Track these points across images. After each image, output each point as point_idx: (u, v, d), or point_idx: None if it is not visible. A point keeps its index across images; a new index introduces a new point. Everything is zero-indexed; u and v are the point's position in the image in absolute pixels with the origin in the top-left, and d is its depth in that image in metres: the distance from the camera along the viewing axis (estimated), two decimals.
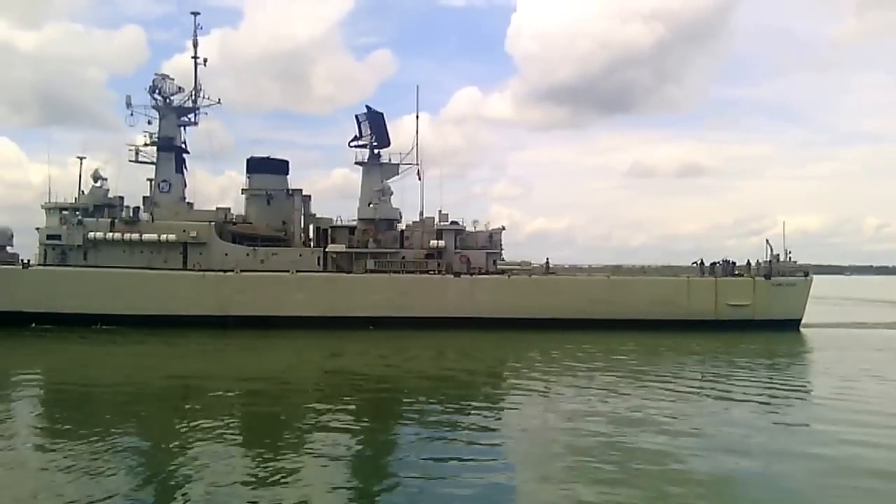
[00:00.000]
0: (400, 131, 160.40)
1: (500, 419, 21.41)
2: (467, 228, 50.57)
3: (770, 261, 49.84)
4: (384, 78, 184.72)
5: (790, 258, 50.38)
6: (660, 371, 30.28)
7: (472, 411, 21.86)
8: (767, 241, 50.82)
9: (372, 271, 47.48)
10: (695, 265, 51.14)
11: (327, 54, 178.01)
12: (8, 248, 49.78)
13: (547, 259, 50.50)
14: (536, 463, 16.44)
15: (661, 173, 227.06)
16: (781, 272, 49.22)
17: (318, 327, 44.29)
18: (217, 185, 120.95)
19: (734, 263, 50.62)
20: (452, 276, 47.61)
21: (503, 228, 51.41)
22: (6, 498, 13.75)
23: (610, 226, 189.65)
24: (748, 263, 50.51)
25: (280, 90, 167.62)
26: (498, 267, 49.09)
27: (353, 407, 23.18)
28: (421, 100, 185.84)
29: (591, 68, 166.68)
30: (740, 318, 47.23)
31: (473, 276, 47.83)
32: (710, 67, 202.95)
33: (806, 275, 49.68)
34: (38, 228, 48.76)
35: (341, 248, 48.49)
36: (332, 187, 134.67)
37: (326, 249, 48.77)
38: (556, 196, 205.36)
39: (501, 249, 51.01)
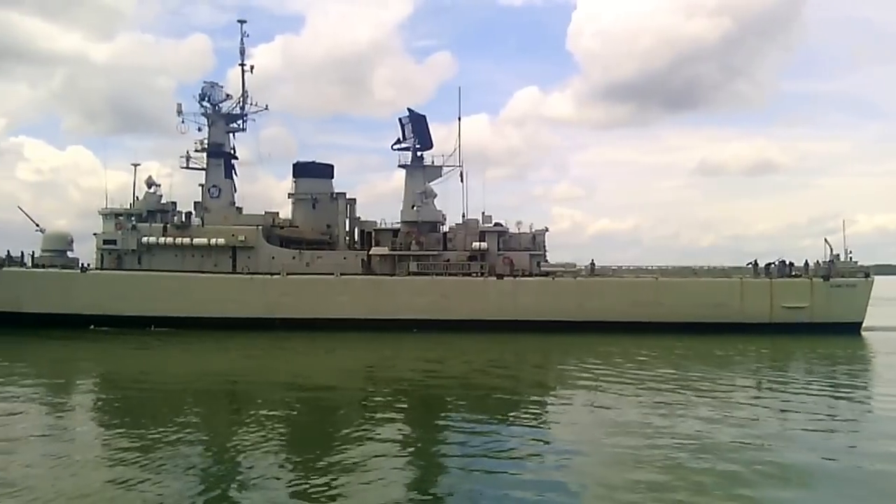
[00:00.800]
0: (461, 132, 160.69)
1: (552, 429, 20.35)
2: (510, 230, 50.14)
3: (830, 261, 47.73)
4: (444, 80, 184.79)
5: (850, 258, 48.16)
6: (713, 378, 28.78)
7: (524, 421, 21.00)
8: (826, 240, 48.79)
9: (414, 274, 47.49)
10: (749, 266, 49.46)
11: (387, 58, 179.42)
12: (68, 253, 51.78)
13: (592, 261, 49.59)
14: (595, 483, 15.28)
15: (731, 171, 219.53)
16: (841, 273, 47.08)
17: (362, 329, 44.59)
18: (281, 190, 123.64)
19: (791, 264, 48.63)
20: (495, 278, 47.25)
21: (546, 230, 50.90)
22: (66, 493, 14.03)
23: (678, 226, 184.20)
24: (805, 264, 48.47)
25: (341, 94, 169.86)
26: (541, 269, 48.44)
27: (406, 413, 22.88)
28: (480, 101, 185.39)
29: (655, 65, 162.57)
30: (797, 322, 45.26)
31: (516, 277, 47.35)
32: (781, 61, 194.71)
33: (867, 276, 47.33)
34: (95, 234, 50.60)
35: (384, 250, 48.69)
36: (391, 190, 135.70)
37: (370, 252, 49.06)
38: (621, 196, 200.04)
39: (545, 251, 50.40)
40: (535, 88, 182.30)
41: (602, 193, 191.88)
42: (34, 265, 49.67)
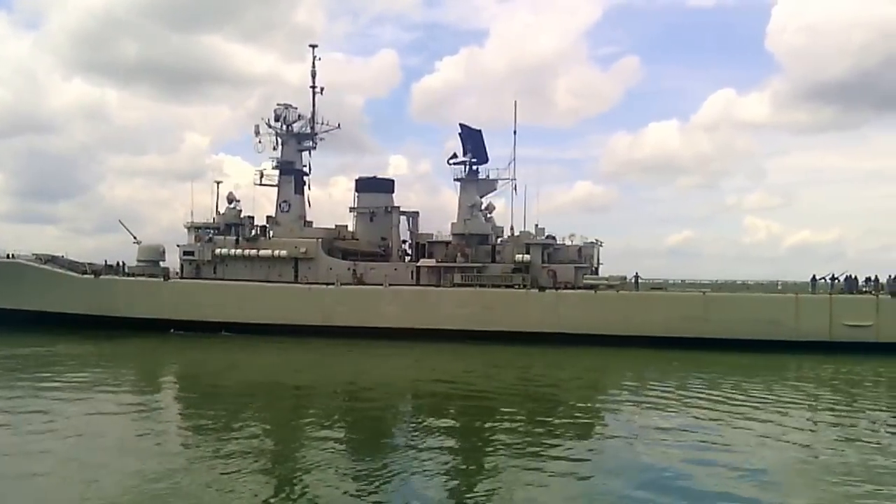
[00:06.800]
0: (648, 140, 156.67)
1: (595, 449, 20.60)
2: (561, 242, 50.18)
3: None
4: (630, 86, 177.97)
5: None
6: (773, 400, 28.00)
7: (567, 437, 21.47)
8: None
9: (458, 285, 48.54)
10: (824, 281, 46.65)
11: (571, 66, 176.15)
12: (161, 263, 56.90)
13: (636, 273, 48.67)
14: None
15: None
16: None
17: (409, 338, 46.14)
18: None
19: (855, 279, 45.49)
20: (537, 290, 47.46)
21: (597, 242, 50.50)
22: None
23: (888, 238, 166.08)
24: (873, 279, 45.14)
25: (523, 105, 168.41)
26: (585, 281, 48.10)
27: (463, 420, 24.43)
28: (669, 106, 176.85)
29: (867, 61, 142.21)
30: (860, 341, 42.40)
31: (558, 290, 47.34)
32: None
33: None
34: (178, 245, 55.42)
35: (431, 262, 50.07)
36: (572, 201, 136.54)
37: (418, 264, 50.66)
38: (824, 205, 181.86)
39: (596, 265, 50.04)
40: (730, 91, 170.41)
41: (802, 203, 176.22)
42: (126, 273, 55.07)
